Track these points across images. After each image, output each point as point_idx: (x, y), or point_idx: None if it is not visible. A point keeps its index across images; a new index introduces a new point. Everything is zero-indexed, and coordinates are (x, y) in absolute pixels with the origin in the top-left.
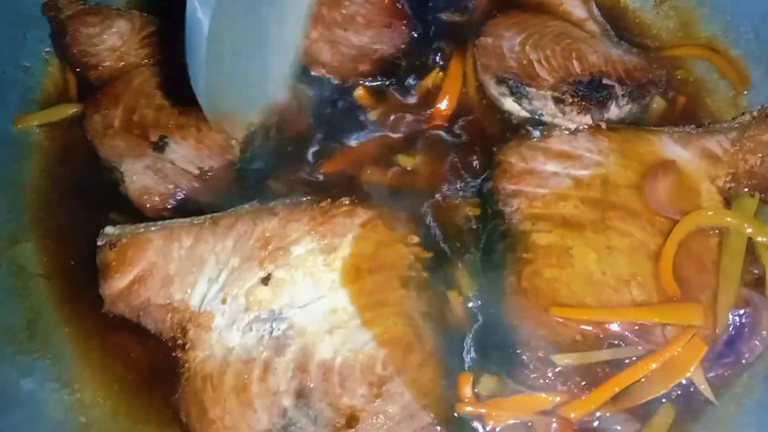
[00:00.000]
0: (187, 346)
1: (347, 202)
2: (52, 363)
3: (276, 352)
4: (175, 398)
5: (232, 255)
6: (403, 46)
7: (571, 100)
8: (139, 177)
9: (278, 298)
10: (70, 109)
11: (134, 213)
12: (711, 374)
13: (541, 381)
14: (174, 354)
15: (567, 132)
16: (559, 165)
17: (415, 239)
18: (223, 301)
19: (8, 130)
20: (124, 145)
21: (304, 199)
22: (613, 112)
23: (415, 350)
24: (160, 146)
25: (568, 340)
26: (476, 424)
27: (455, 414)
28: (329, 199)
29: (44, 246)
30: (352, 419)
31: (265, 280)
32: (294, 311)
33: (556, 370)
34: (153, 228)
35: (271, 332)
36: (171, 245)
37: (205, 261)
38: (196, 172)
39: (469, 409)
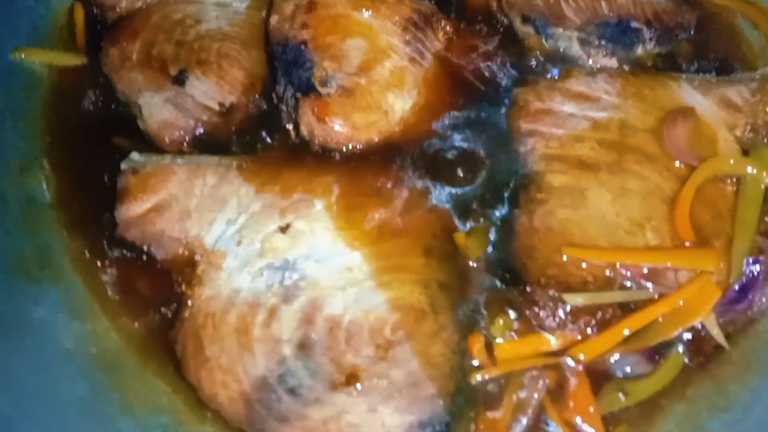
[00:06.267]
0: (193, 282)
1: (379, 161)
2: (64, 294)
3: (284, 300)
4: (174, 332)
5: (254, 200)
6: None
7: (597, 43)
8: (158, 110)
9: (295, 248)
10: (76, 60)
11: (145, 146)
12: (722, 320)
13: (552, 320)
14: (179, 289)
15: (586, 73)
16: (577, 106)
17: (446, 209)
18: (238, 243)
19: (18, 59)
20: (143, 79)
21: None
22: (639, 55)
23: (428, 320)
24: (180, 80)
25: (579, 281)
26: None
27: (461, 389)
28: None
29: (54, 176)
30: (352, 377)
31: (284, 229)
32: (309, 263)
33: (567, 309)
34: (179, 160)
35: (282, 281)
36: (195, 180)
37: (227, 202)
38: (217, 108)
39: (478, 365)
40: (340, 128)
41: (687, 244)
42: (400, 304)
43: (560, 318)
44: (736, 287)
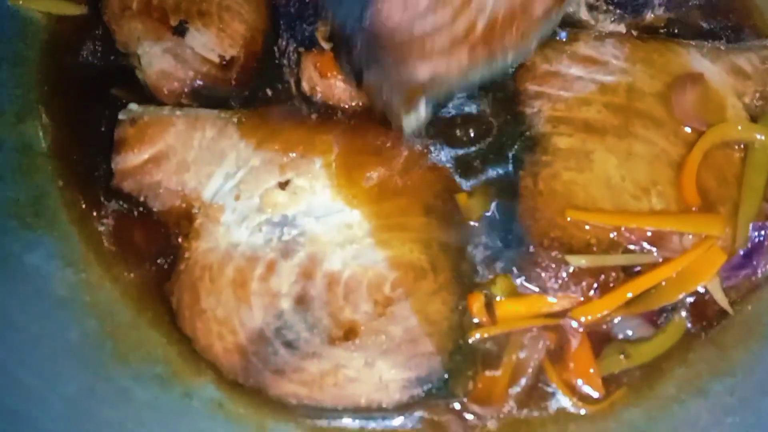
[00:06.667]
0: (191, 235)
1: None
2: (58, 241)
3: (283, 254)
4: (170, 284)
5: (253, 155)
6: None
7: (605, 8)
8: (158, 60)
9: (294, 204)
10: (75, 10)
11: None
12: (727, 285)
13: (554, 281)
14: (175, 241)
15: (594, 37)
16: (584, 69)
17: (448, 169)
18: (237, 198)
19: (16, 5)
20: (143, 28)
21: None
22: (648, 21)
23: (428, 279)
24: (180, 31)
25: (582, 243)
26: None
27: (459, 347)
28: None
29: (51, 126)
30: (350, 332)
31: (283, 185)
32: (308, 220)
33: (569, 270)
34: (178, 112)
35: (281, 236)
36: (193, 133)
37: (225, 156)
38: (217, 60)
39: (478, 322)
40: (342, 84)
41: (693, 209)
42: (400, 262)
43: (562, 279)
44: (741, 253)
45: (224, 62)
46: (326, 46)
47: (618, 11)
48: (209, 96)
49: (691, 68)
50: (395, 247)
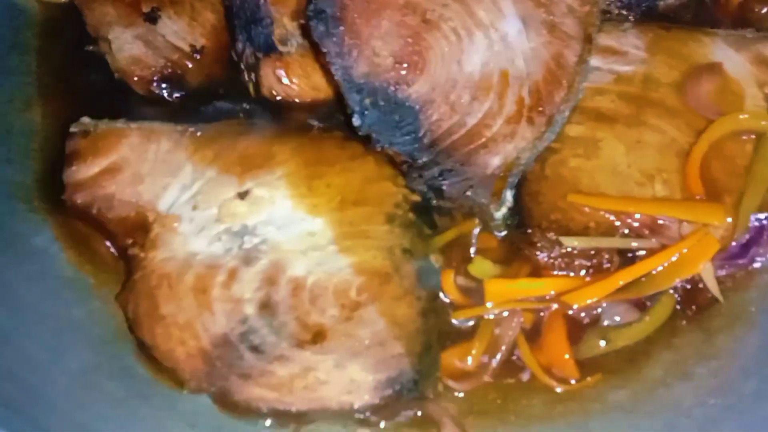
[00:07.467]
0: (146, 245)
1: (341, 133)
2: (60, 226)
3: (244, 262)
4: (124, 293)
5: (210, 166)
6: None
7: (617, 12)
8: (129, 46)
9: (254, 214)
10: None
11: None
12: (721, 272)
13: (547, 261)
14: (131, 252)
15: (617, 27)
16: (603, 60)
17: (403, 181)
18: (194, 208)
19: None
20: (114, 13)
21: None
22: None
23: (393, 283)
24: (152, 18)
25: (580, 227)
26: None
27: (428, 348)
28: (321, 126)
29: (53, 111)
30: (318, 336)
31: (242, 195)
32: (269, 229)
33: (563, 251)
34: (132, 125)
35: (241, 245)
36: (148, 145)
37: (181, 167)
38: (188, 49)
39: (452, 297)
40: (301, 88)
41: (696, 197)
42: (364, 268)
43: (556, 259)
44: (740, 242)
45: (195, 51)
46: (283, 49)
47: (629, 12)
48: (177, 86)
49: (712, 57)
50: (359, 253)
